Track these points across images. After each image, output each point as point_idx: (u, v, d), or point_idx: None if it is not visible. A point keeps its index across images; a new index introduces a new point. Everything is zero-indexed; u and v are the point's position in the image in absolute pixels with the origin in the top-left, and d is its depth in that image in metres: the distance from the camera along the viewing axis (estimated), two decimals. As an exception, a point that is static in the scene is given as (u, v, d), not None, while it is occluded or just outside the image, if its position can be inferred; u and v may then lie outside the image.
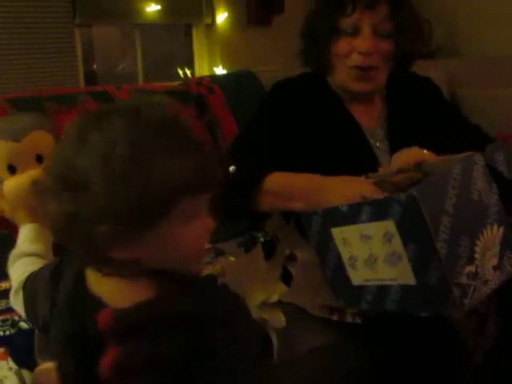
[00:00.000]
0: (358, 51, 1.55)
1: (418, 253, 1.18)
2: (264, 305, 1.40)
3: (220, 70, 3.97)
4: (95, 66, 4.36)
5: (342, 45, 1.57)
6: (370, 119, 1.66)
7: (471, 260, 1.18)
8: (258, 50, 4.00)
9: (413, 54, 1.64)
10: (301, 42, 1.68)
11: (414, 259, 1.18)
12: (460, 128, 1.70)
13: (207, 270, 1.66)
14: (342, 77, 1.61)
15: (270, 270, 1.43)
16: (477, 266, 1.18)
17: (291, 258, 1.46)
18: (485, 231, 1.20)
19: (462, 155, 1.27)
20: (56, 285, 0.95)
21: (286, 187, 1.45)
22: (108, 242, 0.81)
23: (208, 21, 4.09)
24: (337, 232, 1.30)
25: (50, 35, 3.53)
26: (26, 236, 1.22)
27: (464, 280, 1.16)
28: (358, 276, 1.31)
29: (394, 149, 1.60)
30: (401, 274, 1.22)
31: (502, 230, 1.23)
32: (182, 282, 0.88)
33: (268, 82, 2.66)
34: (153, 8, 3.78)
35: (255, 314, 1.36)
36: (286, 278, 1.45)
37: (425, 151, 1.40)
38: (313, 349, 1.36)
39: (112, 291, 0.87)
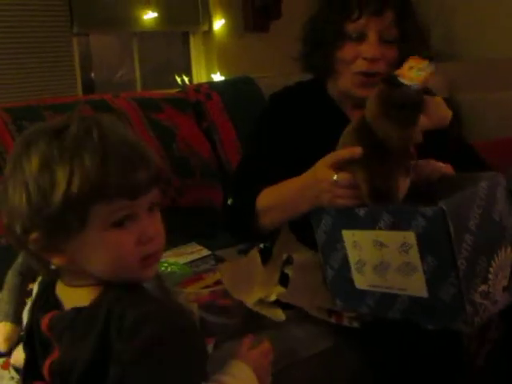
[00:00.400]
0: (363, 57, 1.54)
1: (435, 267, 1.17)
2: (262, 302, 1.39)
3: (218, 77, 3.97)
4: (93, 75, 4.35)
5: (348, 50, 1.56)
6: None
7: (486, 279, 1.18)
8: (256, 56, 3.99)
9: None
10: (302, 47, 1.68)
11: (431, 272, 1.17)
12: (458, 146, 1.69)
13: (208, 278, 1.65)
14: (345, 83, 1.60)
15: (268, 274, 1.43)
16: (489, 286, 1.19)
17: (288, 261, 1.46)
18: (499, 252, 1.21)
19: (484, 173, 1.27)
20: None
21: (278, 199, 1.45)
22: (41, 249, 0.87)
23: (205, 28, 4.09)
24: (348, 234, 1.30)
25: (47, 44, 3.51)
26: None
27: (477, 298, 1.16)
28: (364, 280, 1.30)
29: None
30: (412, 285, 1.21)
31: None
32: (125, 291, 0.89)
33: (266, 87, 2.66)
34: (150, 16, 3.77)
35: (255, 308, 1.36)
36: (284, 280, 1.44)
37: (441, 164, 1.39)
38: (313, 355, 1.35)
39: (66, 297, 0.93)
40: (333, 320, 1.40)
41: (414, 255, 1.19)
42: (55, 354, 0.90)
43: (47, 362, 0.91)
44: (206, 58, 4.15)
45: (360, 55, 1.56)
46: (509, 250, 1.23)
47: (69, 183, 0.83)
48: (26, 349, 0.99)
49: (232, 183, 1.65)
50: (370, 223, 1.24)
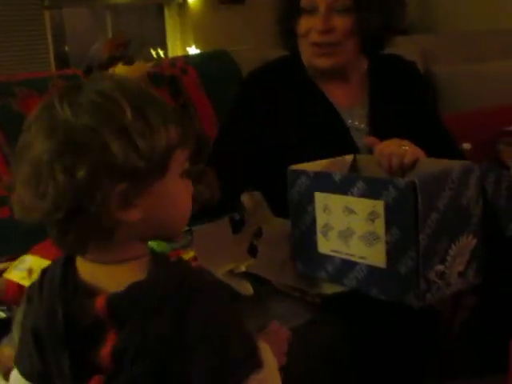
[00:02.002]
0: (315, 29, 1.56)
1: (398, 239, 1.19)
2: (231, 273, 1.40)
3: (193, 50, 3.93)
4: (67, 49, 4.30)
5: (302, 23, 1.58)
6: (347, 98, 1.65)
7: (443, 260, 1.21)
8: (232, 28, 3.96)
9: (382, 31, 1.63)
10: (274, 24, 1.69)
11: (392, 244, 1.20)
12: (433, 124, 1.70)
13: (185, 254, 1.65)
14: (305, 55, 1.62)
15: (238, 243, 1.44)
16: (446, 267, 1.22)
17: (258, 233, 1.46)
18: (461, 238, 1.25)
19: (459, 161, 1.29)
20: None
21: None
22: (121, 204, 0.81)
23: (179, 0, 4.04)
24: (320, 197, 1.32)
25: (18, 18, 3.46)
26: None
27: (432, 276, 1.20)
28: (327, 245, 1.33)
29: (374, 128, 1.60)
30: (372, 255, 1.24)
31: (475, 241, 1.27)
32: (172, 264, 0.89)
33: (242, 61, 2.64)
34: (123, -12, 3.73)
35: (224, 278, 1.36)
36: (253, 252, 1.45)
37: (407, 147, 1.40)
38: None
39: (106, 277, 0.86)
40: (297, 294, 1.42)
41: (380, 225, 1.21)
42: (112, 340, 0.84)
43: (105, 351, 0.84)
44: (181, 31, 4.11)
45: (313, 27, 1.57)
46: (470, 237, 1.27)
47: (165, 129, 0.83)
48: (36, 354, 0.89)
49: (211, 154, 1.66)
50: (343, 188, 1.27)
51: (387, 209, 1.20)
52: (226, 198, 1.44)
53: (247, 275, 1.42)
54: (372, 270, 1.26)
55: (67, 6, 3.95)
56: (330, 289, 1.38)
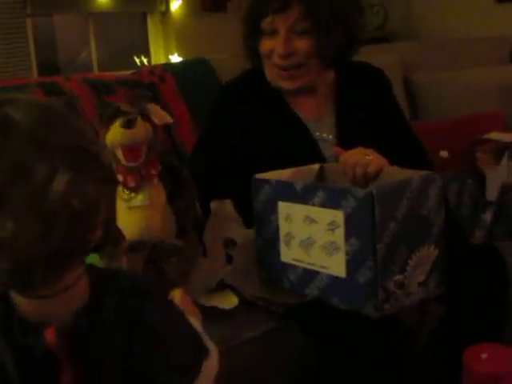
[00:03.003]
0: (276, 52, 1.56)
1: (357, 249, 1.20)
2: (211, 292, 1.40)
3: (176, 58, 3.94)
4: (56, 56, 4.30)
5: (264, 45, 1.60)
6: (314, 110, 1.66)
7: (402, 270, 1.22)
8: (214, 36, 3.97)
9: (345, 47, 1.63)
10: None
11: (352, 254, 1.21)
12: (400, 132, 1.70)
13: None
14: (270, 75, 1.63)
15: (213, 260, 1.44)
16: (405, 277, 1.23)
17: (229, 243, 1.46)
18: (422, 248, 1.25)
19: (421, 171, 1.30)
20: None
21: None
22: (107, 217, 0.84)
23: (162, 8, 4.05)
24: (283, 206, 1.33)
25: (0, 26, 3.45)
26: None
27: (391, 286, 1.20)
28: (289, 254, 1.34)
29: (341, 138, 1.61)
30: (333, 265, 1.25)
31: (436, 251, 1.28)
32: (110, 278, 0.89)
33: (221, 69, 2.65)
34: (106, -4, 3.74)
35: (206, 302, 1.36)
36: (229, 260, 1.46)
37: (372, 156, 1.41)
38: (254, 337, 1.36)
39: (48, 309, 0.84)
40: (261, 303, 1.42)
41: (339, 235, 1.22)
42: (68, 370, 0.83)
43: (65, 381, 0.83)
44: (163, 39, 4.12)
45: (274, 49, 1.57)
46: (432, 247, 1.28)
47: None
48: None
49: (190, 163, 1.68)
50: (305, 198, 1.28)
51: (346, 219, 1.20)
52: (201, 206, 1.45)
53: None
54: (332, 279, 1.26)
55: (48, 14, 3.94)
56: (294, 299, 1.38)
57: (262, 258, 1.42)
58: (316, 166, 1.50)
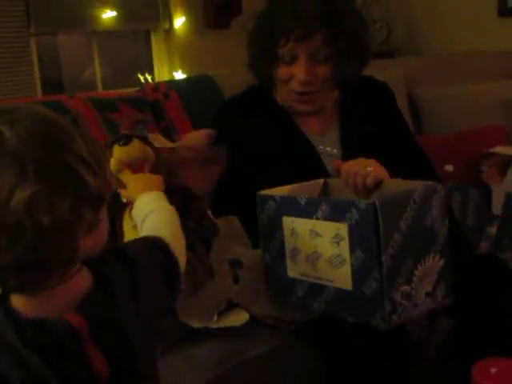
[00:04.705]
0: (297, 79, 1.56)
1: (362, 261, 1.20)
2: (222, 312, 1.39)
3: (180, 75, 3.95)
4: (61, 75, 4.32)
5: (282, 71, 1.59)
6: (318, 125, 1.67)
7: (409, 281, 1.22)
8: (218, 53, 3.98)
9: (358, 69, 1.64)
10: (248, 57, 1.70)
11: (357, 266, 1.20)
12: (405, 144, 1.70)
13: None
14: (284, 98, 1.63)
15: (220, 281, 1.43)
16: (412, 288, 1.22)
17: (236, 264, 1.46)
18: (428, 258, 1.25)
19: (423, 182, 1.30)
20: None
21: None
22: (88, 229, 0.84)
23: (166, 26, 4.07)
24: (288, 221, 1.33)
25: (4, 45, 3.47)
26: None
27: (398, 297, 1.20)
28: (296, 269, 1.33)
29: (346, 152, 1.61)
30: (339, 278, 1.24)
31: (442, 261, 1.27)
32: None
33: (225, 86, 2.65)
34: (109, 15, 3.75)
35: (217, 325, 1.35)
36: (236, 280, 1.45)
37: (372, 168, 1.40)
38: (263, 353, 1.36)
39: (48, 302, 0.86)
40: (270, 322, 1.41)
41: (345, 248, 1.22)
42: (94, 349, 0.86)
43: (97, 361, 0.86)
44: (167, 56, 4.14)
45: (293, 76, 1.57)
46: (437, 257, 1.27)
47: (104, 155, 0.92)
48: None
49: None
50: (309, 212, 1.28)
51: (351, 231, 1.20)
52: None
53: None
54: (339, 292, 1.26)
55: (52, 33, 3.96)
56: (303, 315, 1.37)
57: (270, 274, 1.42)
58: (320, 181, 1.50)
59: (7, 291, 0.86)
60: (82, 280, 0.88)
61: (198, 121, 2.50)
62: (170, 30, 4.09)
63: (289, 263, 1.35)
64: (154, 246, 1.01)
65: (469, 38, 3.85)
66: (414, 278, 1.23)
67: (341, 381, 1.34)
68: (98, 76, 4.04)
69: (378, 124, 1.67)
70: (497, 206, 2.19)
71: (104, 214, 0.90)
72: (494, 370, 1.22)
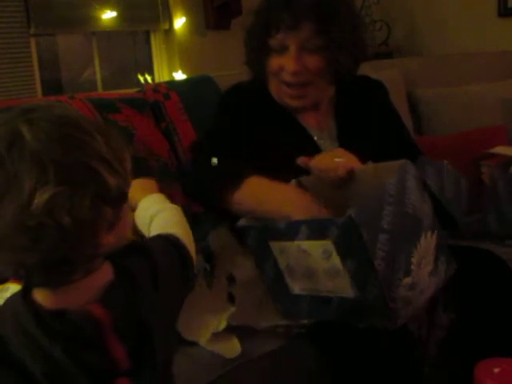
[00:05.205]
0: (286, 69, 1.56)
1: (356, 269, 1.19)
2: (216, 336, 1.38)
3: (180, 76, 3.95)
4: (60, 75, 4.31)
5: (273, 62, 1.59)
6: (317, 121, 1.66)
7: (408, 272, 1.20)
8: (218, 53, 3.98)
9: (353, 65, 1.64)
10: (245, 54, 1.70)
11: (354, 274, 1.20)
12: (396, 137, 1.70)
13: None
14: (275, 91, 1.63)
15: (215, 297, 1.42)
16: (413, 277, 1.21)
17: (231, 279, 1.45)
18: (419, 242, 1.23)
19: (393, 163, 1.28)
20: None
21: (262, 195, 1.43)
22: (110, 226, 0.85)
23: (166, 26, 4.06)
24: (274, 245, 1.32)
25: (4, 46, 3.47)
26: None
27: (402, 292, 1.18)
28: (297, 285, 1.32)
29: (344, 148, 1.61)
30: (339, 288, 1.24)
31: (435, 235, 1.25)
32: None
33: (225, 86, 2.63)
34: (109, 15, 3.74)
35: (208, 346, 1.35)
36: (231, 300, 1.44)
37: (340, 159, 1.39)
38: (264, 354, 1.35)
39: (69, 295, 0.87)
40: (281, 330, 1.40)
41: (336, 260, 1.21)
42: (116, 341, 0.87)
43: (119, 353, 0.88)
44: (167, 57, 4.13)
45: (284, 67, 1.57)
46: (429, 235, 1.24)
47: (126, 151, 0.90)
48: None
49: (199, 148, 1.65)
50: (290, 235, 1.26)
51: (336, 246, 1.19)
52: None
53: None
54: (344, 301, 1.25)
55: (52, 34, 3.96)
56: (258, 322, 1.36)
57: (274, 294, 1.40)
58: (293, 182, 1.48)
59: (31, 286, 0.88)
60: (104, 273, 0.89)
61: (199, 121, 2.50)
62: (169, 30, 4.08)
63: (289, 281, 1.34)
64: (169, 242, 1.02)
65: (469, 39, 3.86)
66: (413, 267, 1.21)
67: (343, 379, 1.33)
68: (98, 77, 4.04)
69: (373, 120, 1.67)
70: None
71: (126, 211, 0.91)
72: (497, 370, 1.22)
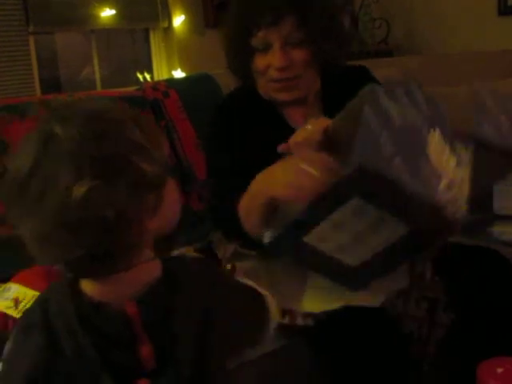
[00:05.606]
0: (273, 66, 1.55)
1: (393, 207, 1.13)
2: None
3: (179, 74, 3.94)
4: (59, 74, 4.31)
5: (258, 62, 1.57)
6: (304, 119, 1.65)
7: (437, 176, 1.12)
8: (217, 51, 3.94)
9: (339, 56, 1.63)
10: (225, 57, 1.69)
11: (395, 214, 1.14)
12: None
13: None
14: (264, 90, 1.62)
15: None
16: (445, 178, 1.13)
17: (232, 270, 1.44)
18: (429, 144, 1.15)
19: (357, 98, 1.22)
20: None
21: (251, 202, 1.41)
22: (152, 212, 0.86)
23: (165, 24, 4.06)
24: (309, 237, 1.25)
25: (2, 44, 3.46)
26: None
27: (446, 196, 1.11)
28: (354, 257, 1.26)
29: None
30: (391, 234, 1.18)
31: (438, 130, 1.19)
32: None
33: (225, 84, 2.64)
34: (108, 13, 3.74)
35: None
36: None
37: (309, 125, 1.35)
38: (262, 355, 1.34)
39: (113, 287, 0.88)
40: (286, 321, 1.38)
41: (371, 211, 1.14)
42: (146, 341, 0.88)
43: (145, 353, 0.88)
44: (166, 55, 4.13)
45: (270, 65, 1.56)
46: (432, 133, 1.16)
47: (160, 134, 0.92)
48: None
49: (211, 187, 1.64)
50: (314, 220, 1.21)
51: (362, 199, 1.12)
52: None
53: None
54: (401, 244, 1.19)
55: (50, 32, 3.95)
56: (318, 306, 1.33)
57: (338, 280, 1.34)
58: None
59: (77, 277, 0.90)
60: (151, 270, 0.90)
61: (198, 119, 2.49)
62: (169, 28, 4.08)
63: (343, 258, 1.27)
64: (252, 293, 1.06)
65: (469, 37, 3.85)
66: (438, 167, 1.13)
67: (343, 380, 1.33)
68: (97, 75, 4.03)
69: None
70: (498, 206, 2.19)
71: (169, 194, 0.90)
72: (500, 370, 1.21)
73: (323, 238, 1.23)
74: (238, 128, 1.62)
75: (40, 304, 0.91)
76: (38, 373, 0.87)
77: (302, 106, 1.66)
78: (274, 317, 1.04)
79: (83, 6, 3.69)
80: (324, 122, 1.30)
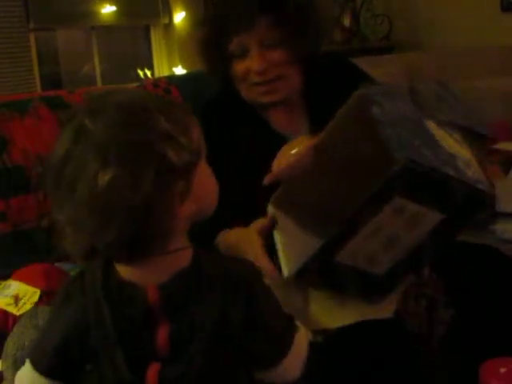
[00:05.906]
0: (253, 71, 1.53)
1: (433, 198, 1.12)
2: None
3: (179, 70, 3.93)
4: (59, 70, 4.30)
5: (237, 68, 1.55)
6: (290, 122, 1.63)
7: (453, 157, 1.11)
8: (218, 48, 3.96)
9: (318, 46, 1.61)
10: (202, 63, 1.67)
11: (434, 204, 1.13)
12: None
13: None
14: (248, 94, 1.59)
15: None
16: (459, 156, 1.13)
17: None
18: (431, 129, 1.16)
19: (347, 105, 1.22)
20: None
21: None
22: (182, 198, 0.87)
23: (165, 21, 4.05)
24: (342, 255, 1.22)
25: (3, 41, 3.45)
26: None
27: (469, 173, 1.11)
28: (382, 265, 1.24)
29: None
30: (425, 227, 1.16)
31: (430, 121, 1.19)
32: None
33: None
34: (108, 10, 3.73)
35: None
36: None
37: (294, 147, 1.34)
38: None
39: (145, 272, 0.90)
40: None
41: (412, 207, 1.14)
42: (164, 326, 0.89)
43: (161, 338, 0.89)
44: (167, 51, 4.12)
45: (250, 69, 1.54)
46: (429, 123, 1.18)
47: (190, 119, 0.91)
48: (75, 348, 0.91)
49: None
50: (350, 232, 1.18)
51: (402, 196, 1.11)
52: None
53: None
54: (437, 228, 1.17)
55: (51, 29, 3.95)
56: (332, 322, 1.32)
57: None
58: (270, 209, 1.43)
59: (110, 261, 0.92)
60: (181, 258, 0.91)
61: (198, 116, 2.48)
62: (169, 25, 4.07)
63: (372, 266, 1.27)
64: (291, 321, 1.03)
65: (471, 33, 3.84)
66: (450, 150, 1.15)
67: (342, 380, 1.32)
68: (98, 71, 4.02)
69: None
70: (499, 204, 2.18)
71: (202, 178, 0.91)
72: (503, 370, 1.20)
73: (355, 252, 1.21)
74: (218, 140, 1.59)
75: (78, 276, 0.95)
76: (75, 333, 0.91)
77: (285, 107, 1.64)
78: (303, 351, 1.02)
79: (83, 2, 3.68)
80: (308, 142, 1.29)
